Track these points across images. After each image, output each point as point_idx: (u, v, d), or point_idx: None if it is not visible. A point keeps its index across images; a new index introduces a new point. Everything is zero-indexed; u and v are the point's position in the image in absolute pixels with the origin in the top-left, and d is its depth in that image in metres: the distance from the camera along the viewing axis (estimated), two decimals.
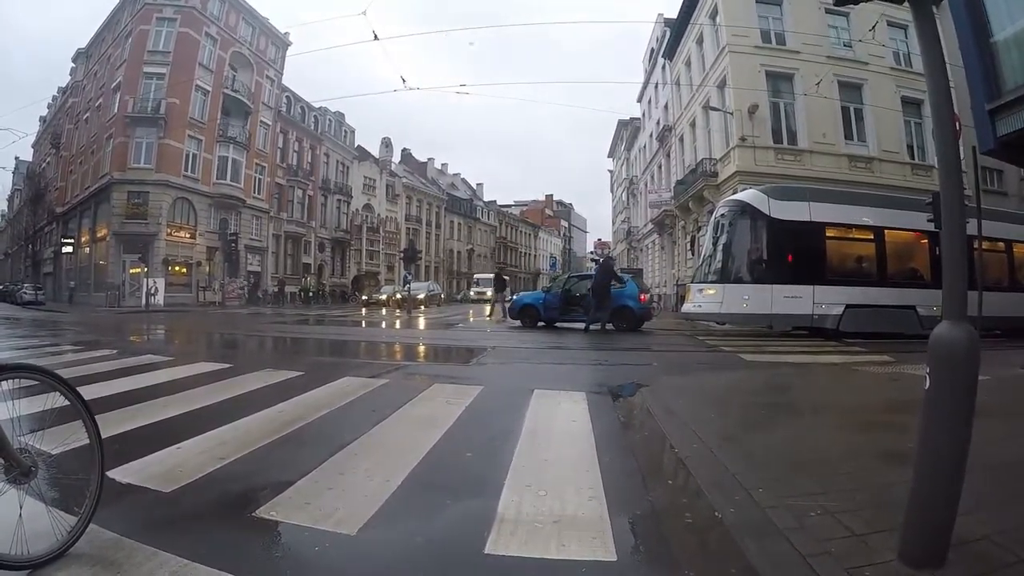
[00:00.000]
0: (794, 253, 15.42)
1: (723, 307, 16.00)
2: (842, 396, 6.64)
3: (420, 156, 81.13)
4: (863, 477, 3.53)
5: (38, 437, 2.65)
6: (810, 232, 15.46)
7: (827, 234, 15.71)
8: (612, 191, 72.56)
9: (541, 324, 18.59)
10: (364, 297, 41.10)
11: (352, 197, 57.70)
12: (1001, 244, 16.44)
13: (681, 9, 30.25)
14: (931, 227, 15.25)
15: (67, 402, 2.63)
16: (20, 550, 2.26)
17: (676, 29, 32.10)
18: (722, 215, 16.98)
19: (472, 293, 58.02)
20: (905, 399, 5.49)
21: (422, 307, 34.38)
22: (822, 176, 21.94)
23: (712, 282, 16.57)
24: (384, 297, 38.30)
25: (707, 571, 2.65)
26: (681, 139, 33.17)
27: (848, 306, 15.19)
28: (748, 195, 16.74)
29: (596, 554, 2.68)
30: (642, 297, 18.19)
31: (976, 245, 12.62)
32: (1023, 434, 4.63)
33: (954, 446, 2.35)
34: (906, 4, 2.73)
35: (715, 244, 16.99)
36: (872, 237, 15.96)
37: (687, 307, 17.67)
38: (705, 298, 16.56)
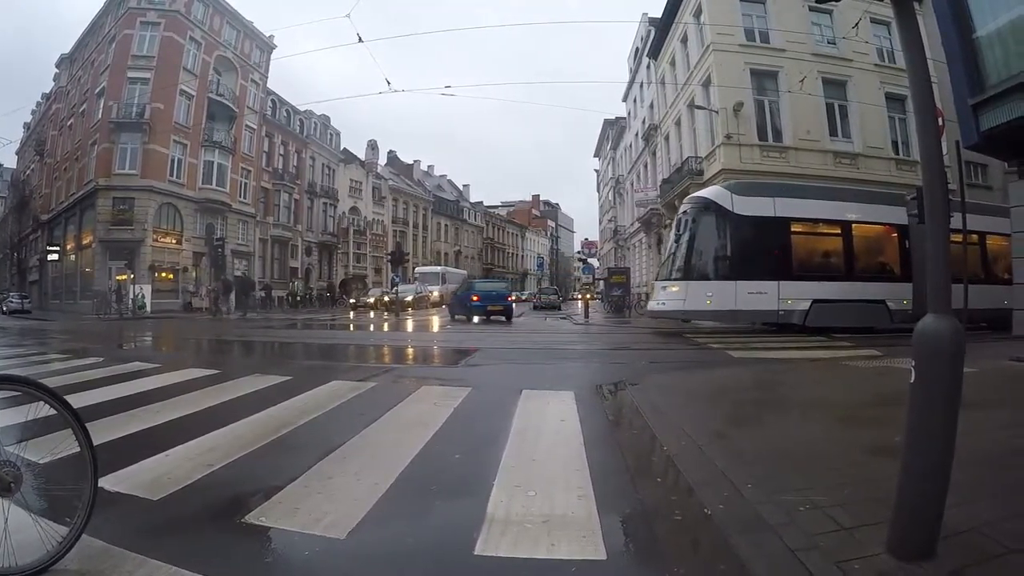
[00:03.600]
0: (759, 249, 15.54)
1: (686, 304, 16.07)
2: (830, 391, 6.67)
3: (406, 158, 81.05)
4: (851, 471, 3.55)
5: (23, 448, 2.62)
6: (775, 227, 15.63)
7: (793, 229, 15.89)
8: (598, 190, 72.59)
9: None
10: (352, 300, 40.90)
11: (338, 200, 57.58)
12: (983, 237, 16.60)
13: (665, 8, 30.30)
14: (901, 220, 15.39)
15: (53, 412, 2.59)
16: (8, 562, 2.24)
17: (660, 28, 32.14)
18: (685, 212, 17.06)
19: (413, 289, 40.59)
20: (892, 393, 5.51)
21: (410, 309, 34.27)
22: (807, 173, 22.04)
23: (676, 279, 16.63)
24: (372, 300, 38.15)
25: (697, 568, 2.66)
26: (667, 138, 33.23)
27: (815, 301, 15.34)
28: (711, 191, 16.89)
29: (586, 553, 2.68)
30: (509, 298, 26.46)
31: (961, 239, 12.67)
32: (1010, 425, 4.67)
33: (941, 438, 2.36)
34: (888, 0, 2.74)
35: (679, 241, 17.01)
36: (839, 231, 16.11)
37: (652, 305, 17.81)
38: (669, 295, 16.66)
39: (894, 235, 16.05)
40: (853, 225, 16.13)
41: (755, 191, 16.50)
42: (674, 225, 18.21)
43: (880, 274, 16.04)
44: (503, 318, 24.42)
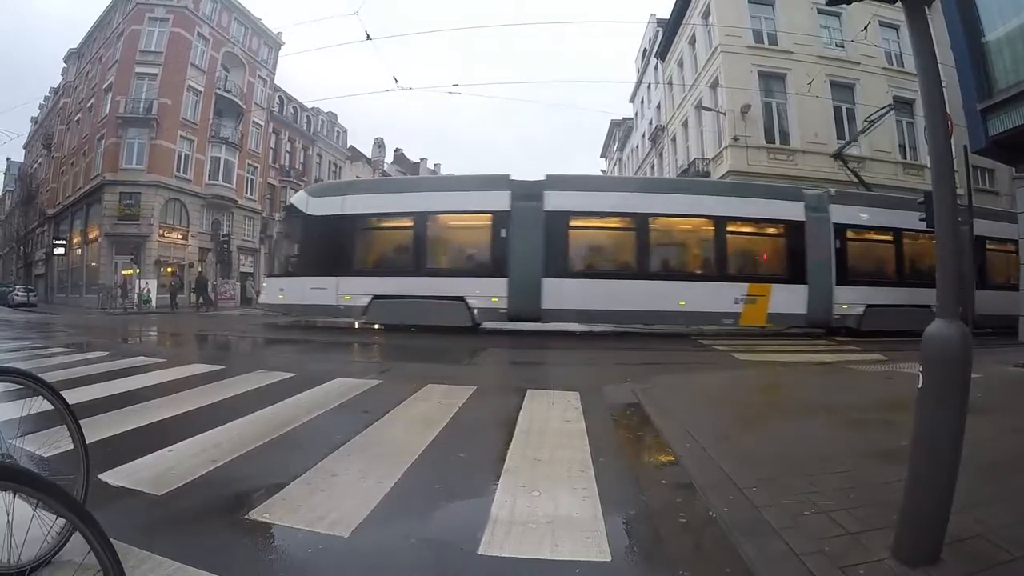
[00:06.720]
0: (323, 246, 16.13)
1: (266, 298, 17.95)
2: (835, 395, 6.65)
3: (412, 156, 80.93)
4: (857, 476, 3.54)
5: (25, 441, 2.63)
6: (340, 225, 15.98)
7: (358, 225, 16.09)
8: None
9: None
10: None
11: None
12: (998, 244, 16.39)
13: (673, 9, 30.25)
14: (499, 207, 15.33)
15: (51, 406, 2.61)
16: (10, 557, 2.23)
17: (668, 29, 32.07)
18: (279, 215, 18.45)
19: None
20: (898, 398, 5.50)
21: None
22: (814, 176, 21.93)
23: (266, 276, 18.39)
24: None
25: (702, 570, 2.65)
26: (674, 139, 33.15)
27: (376, 297, 15.50)
28: (296, 195, 18.19)
29: (590, 554, 2.68)
30: None
31: (976, 244, 12.65)
32: (1016, 431, 4.65)
33: (948, 443, 2.35)
34: (898, 4, 2.73)
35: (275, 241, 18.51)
36: (411, 224, 15.85)
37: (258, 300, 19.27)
38: (262, 291, 18.39)
39: (487, 225, 15.48)
40: (432, 216, 15.87)
41: (329, 191, 17.57)
42: None
43: (463, 269, 15.65)
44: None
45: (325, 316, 16.68)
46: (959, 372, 2.36)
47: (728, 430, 4.84)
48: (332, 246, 15.98)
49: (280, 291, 16.91)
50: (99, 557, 1.69)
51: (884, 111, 20.14)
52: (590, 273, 15.23)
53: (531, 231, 15.03)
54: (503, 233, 15.20)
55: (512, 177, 16.00)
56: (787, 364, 10.01)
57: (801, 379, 8.19)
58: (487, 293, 15.07)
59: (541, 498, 3.36)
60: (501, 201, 15.35)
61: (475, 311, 15.19)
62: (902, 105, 24.17)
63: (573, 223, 15.24)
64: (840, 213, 15.65)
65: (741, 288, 15.00)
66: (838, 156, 20.52)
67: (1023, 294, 12.48)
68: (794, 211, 15.46)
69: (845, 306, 15.23)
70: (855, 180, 20.06)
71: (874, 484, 3.34)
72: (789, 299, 15.01)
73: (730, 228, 15.44)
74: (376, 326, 16.21)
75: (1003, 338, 12.78)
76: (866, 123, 20.86)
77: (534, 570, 2.56)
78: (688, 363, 10.19)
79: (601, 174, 16.70)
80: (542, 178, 15.85)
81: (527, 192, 15.41)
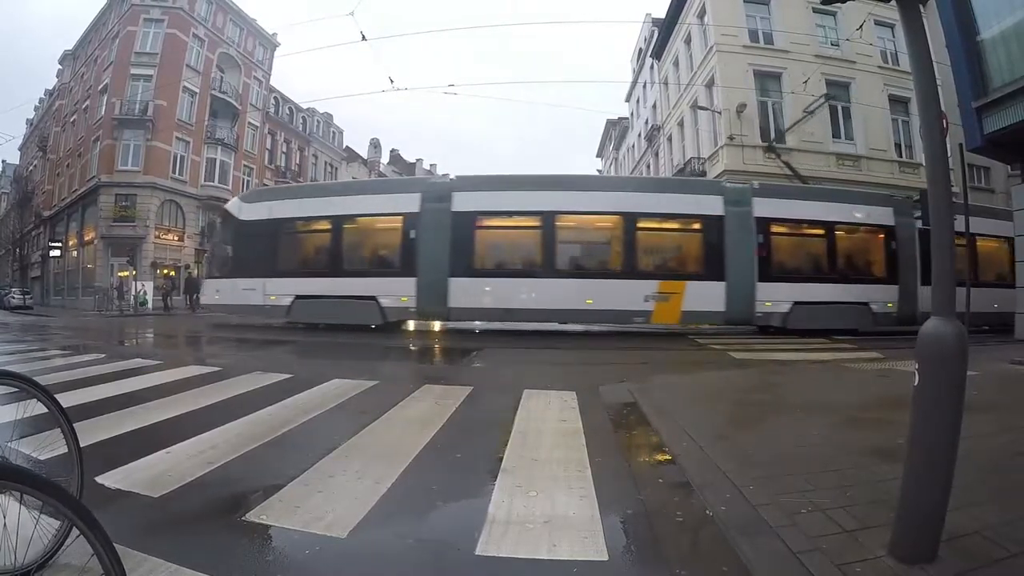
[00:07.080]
0: (252, 249, 16.93)
1: (204, 299, 18.77)
2: (832, 393, 6.64)
3: (408, 156, 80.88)
4: (853, 474, 3.54)
5: (20, 444, 2.63)
6: (267, 229, 16.78)
7: (283, 229, 16.89)
8: None
9: None
10: None
11: None
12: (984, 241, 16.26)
13: (669, 9, 30.25)
14: (409, 209, 15.65)
15: (45, 410, 2.61)
16: (8, 560, 2.23)
17: (664, 29, 32.08)
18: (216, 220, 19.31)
19: None
20: (894, 396, 5.51)
21: None
22: (809, 175, 21.96)
23: (205, 277, 19.39)
24: None
25: (699, 569, 2.65)
26: (669, 138, 33.11)
27: (298, 297, 16.12)
28: (232, 201, 18.91)
29: (587, 554, 2.68)
30: None
31: (966, 242, 12.60)
32: (1012, 429, 4.66)
33: (944, 441, 2.36)
34: (893, 3, 2.73)
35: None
36: (330, 227, 16.37)
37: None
38: (202, 292, 19.09)
39: (398, 227, 15.87)
40: (349, 219, 16.38)
41: (260, 197, 18.41)
42: None
43: (375, 269, 16.15)
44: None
45: (254, 316, 17.32)
46: (955, 370, 2.36)
47: (725, 429, 4.84)
48: (260, 249, 16.58)
49: (216, 292, 17.63)
50: (101, 560, 1.69)
51: (820, 101, 20.86)
52: (496, 272, 15.40)
53: (439, 232, 15.31)
54: (412, 234, 15.56)
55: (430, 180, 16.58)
56: (783, 362, 10.01)
57: (797, 378, 8.18)
58: (397, 292, 15.47)
59: (538, 498, 3.36)
60: (411, 203, 15.70)
61: (386, 310, 15.61)
62: (898, 104, 24.23)
63: (480, 223, 15.46)
64: (764, 207, 15.39)
65: (651, 286, 14.90)
66: (770, 149, 21.06)
67: (1019, 291, 12.48)
68: (711, 205, 15.29)
69: (768, 303, 15.04)
70: (788, 172, 20.13)
71: (871, 482, 3.34)
72: (705, 296, 14.89)
73: (640, 224, 15.31)
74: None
75: (998, 335, 12.80)
76: (805, 113, 21.08)
77: (531, 570, 2.56)
78: (685, 362, 10.19)
79: (510, 174, 16.22)
80: (452, 179, 16.36)
81: (437, 194, 15.74)
